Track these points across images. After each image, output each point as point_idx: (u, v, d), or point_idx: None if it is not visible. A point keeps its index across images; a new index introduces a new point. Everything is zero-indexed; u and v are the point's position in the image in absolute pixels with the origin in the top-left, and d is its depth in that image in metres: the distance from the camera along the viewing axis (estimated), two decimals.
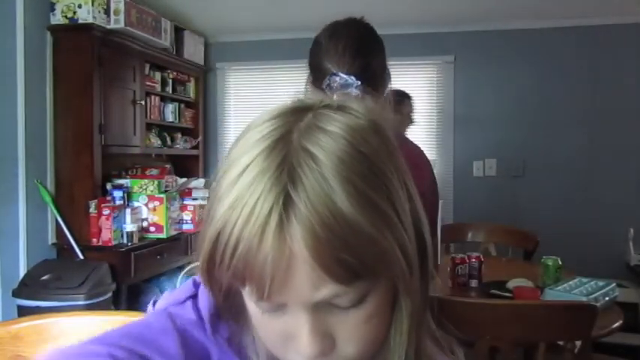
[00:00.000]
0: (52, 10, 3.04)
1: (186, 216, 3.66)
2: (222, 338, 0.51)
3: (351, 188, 0.41)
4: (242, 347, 0.51)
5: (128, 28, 3.17)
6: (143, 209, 3.36)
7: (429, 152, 3.97)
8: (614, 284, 2.00)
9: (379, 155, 0.44)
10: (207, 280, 0.47)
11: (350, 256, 0.40)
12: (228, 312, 0.50)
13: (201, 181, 4.15)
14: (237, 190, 0.42)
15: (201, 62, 4.35)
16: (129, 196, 3.33)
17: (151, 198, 3.37)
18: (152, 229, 3.36)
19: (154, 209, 3.37)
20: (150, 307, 0.56)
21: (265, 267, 0.40)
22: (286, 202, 0.40)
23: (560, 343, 1.47)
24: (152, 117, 3.75)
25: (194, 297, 0.53)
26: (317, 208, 0.40)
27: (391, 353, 0.48)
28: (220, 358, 0.51)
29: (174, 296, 0.54)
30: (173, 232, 3.48)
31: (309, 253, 0.40)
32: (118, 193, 3.22)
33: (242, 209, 0.41)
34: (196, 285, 0.54)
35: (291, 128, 0.44)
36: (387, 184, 0.44)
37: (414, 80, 4.16)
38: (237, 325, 0.51)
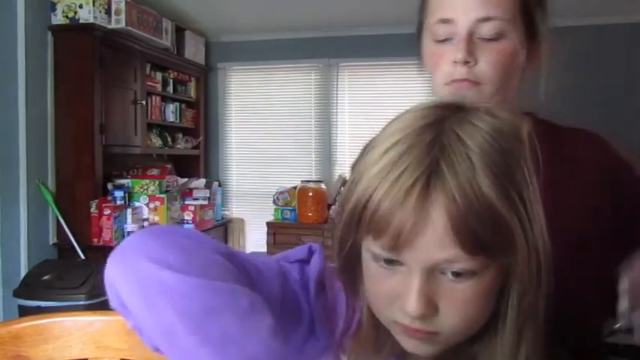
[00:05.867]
0: (53, 10, 3.04)
1: (187, 216, 3.67)
2: (320, 305, 0.56)
3: (491, 174, 0.47)
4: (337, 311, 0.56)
5: (129, 28, 3.17)
6: (144, 209, 3.36)
7: None
8: None
9: (515, 156, 0.50)
10: (339, 240, 0.53)
11: (480, 228, 0.46)
12: (343, 273, 0.56)
13: (202, 181, 4.15)
14: (387, 159, 0.48)
15: (202, 62, 4.35)
16: (130, 196, 3.33)
17: (151, 198, 3.37)
18: None
19: (155, 209, 3.37)
20: None
21: (404, 222, 0.46)
22: (434, 173, 0.46)
23: None
24: (153, 117, 3.75)
25: (303, 262, 0.58)
26: (461, 182, 0.46)
27: (497, 346, 0.52)
28: (312, 318, 0.55)
29: (286, 255, 0.59)
30: None
31: (446, 218, 0.45)
32: (119, 193, 3.23)
33: (391, 175, 0.47)
34: (310, 252, 0.58)
35: (444, 117, 0.50)
36: (520, 180, 0.49)
37: (415, 80, 4.16)
38: (350, 286, 0.56)
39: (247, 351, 0.42)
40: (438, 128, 0.48)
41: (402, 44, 4.12)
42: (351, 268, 0.55)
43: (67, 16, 3.02)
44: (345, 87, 4.27)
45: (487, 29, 0.74)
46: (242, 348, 0.42)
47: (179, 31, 3.97)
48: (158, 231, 0.50)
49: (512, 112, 0.53)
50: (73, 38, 3.05)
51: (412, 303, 0.47)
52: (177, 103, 4.12)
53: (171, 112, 4.01)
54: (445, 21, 0.74)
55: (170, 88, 4.01)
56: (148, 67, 3.66)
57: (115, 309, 0.47)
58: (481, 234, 0.46)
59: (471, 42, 0.74)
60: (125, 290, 0.46)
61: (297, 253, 0.59)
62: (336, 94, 4.28)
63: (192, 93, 4.35)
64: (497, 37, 0.75)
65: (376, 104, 4.05)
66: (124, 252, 0.47)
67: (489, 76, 0.75)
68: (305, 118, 4.37)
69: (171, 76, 4.01)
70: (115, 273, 0.46)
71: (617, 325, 0.71)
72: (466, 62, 0.73)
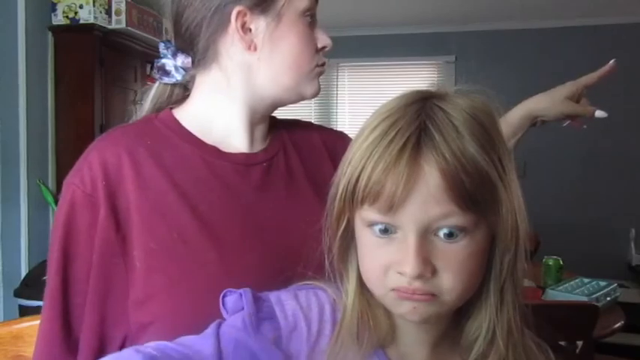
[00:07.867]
0: (54, 10, 3.04)
1: None
2: (266, 338, 0.57)
3: (475, 139, 0.51)
4: (288, 347, 0.57)
5: (129, 28, 3.17)
6: None
7: None
8: (615, 285, 2.00)
9: (492, 129, 0.54)
10: (336, 218, 0.56)
11: (470, 184, 0.49)
12: (338, 252, 0.59)
13: None
14: (376, 133, 0.52)
15: None
16: None
17: None
18: None
19: None
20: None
21: (398, 182, 0.49)
22: (423, 133, 0.50)
23: (562, 343, 1.47)
24: None
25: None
26: (449, 141, 0.49)
27: (482, 313, 0.56)
28: (264, 352, 0.56)
29: (230, 309, 0.60)
30: None
31: (438, 174, 0.49)
32: None
33: (381, 143, 0.50)
34: (242, 298, 0.59)
35: (426, 97, 0.54)
36: (498, 149, 0.53)
37: (415, 80, 4.16)
38: (342, 264, 0.59)
39: None
40: (421, 103, 0.53)
41: (401, 44, 4.14)
42: (345, 250, 0.58)
43: (67, 17, 3.02)
44: (345, 87, 4.28)
45: None
46: None
47: None
48: None
49: (482, 98, 0.57)
50: (73, 38, 3.05)
51: (410, 262, 0.50)
52: None
53: None
54: None
55: None
56: (148, 67, 3.66)
57: None
58: (471, 189, 0.49)
59: None
60: None
61: (234, 305, 0.60)
62: (336, 94, 4.29)
63: None
64: None
65: (376, 104, 4.02)
66: None
67: None
68: (305, 118, 4.35)
69: None
70: None
71: None
72: None
